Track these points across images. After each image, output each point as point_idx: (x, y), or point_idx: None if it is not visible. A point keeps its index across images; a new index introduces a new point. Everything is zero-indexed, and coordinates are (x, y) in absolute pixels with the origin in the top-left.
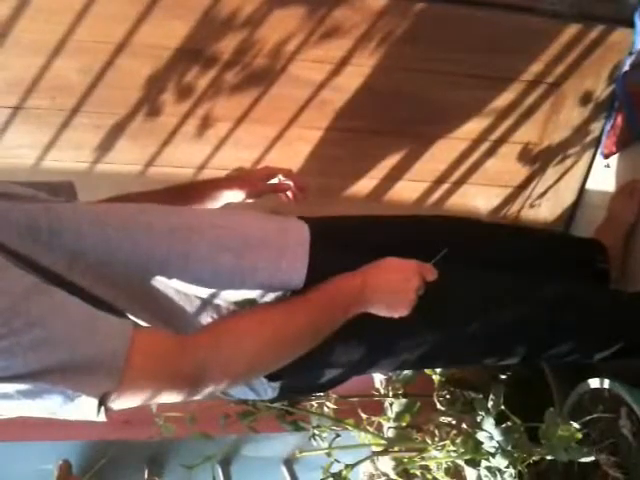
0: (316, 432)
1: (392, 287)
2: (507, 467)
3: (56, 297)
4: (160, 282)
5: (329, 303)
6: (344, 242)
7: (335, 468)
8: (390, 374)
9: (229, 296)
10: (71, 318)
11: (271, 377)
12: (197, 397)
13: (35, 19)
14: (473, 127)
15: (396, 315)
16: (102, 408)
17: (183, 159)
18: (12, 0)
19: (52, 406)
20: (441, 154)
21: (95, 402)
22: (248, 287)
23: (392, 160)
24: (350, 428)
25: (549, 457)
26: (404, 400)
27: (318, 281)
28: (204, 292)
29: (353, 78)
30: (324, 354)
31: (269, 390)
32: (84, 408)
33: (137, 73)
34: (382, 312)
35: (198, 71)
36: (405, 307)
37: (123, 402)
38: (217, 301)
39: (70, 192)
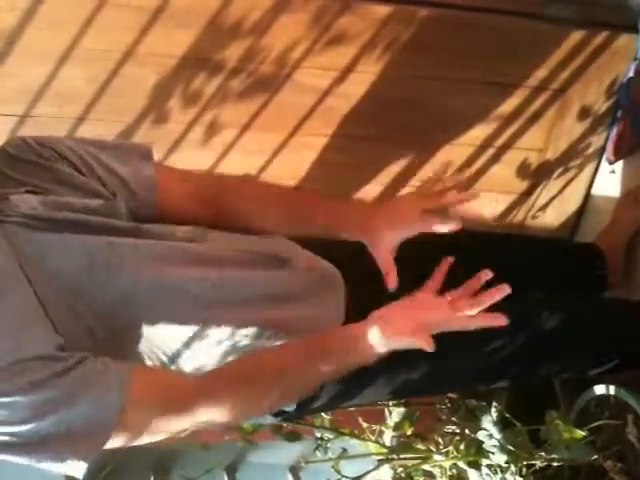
0: (320, 443)
1: (398, 312)
2: (507, 463)
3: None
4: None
5: (341, 346)
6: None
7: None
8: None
9: None
10: (70, 381)
11: (275, 413)
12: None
13: (42, 28)
14: (478, 133)
15: (414, 343)
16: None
17: (189, 166)
18: (19, 9)
19: (38, 465)
20: (446, 160)
21: (84, 465)
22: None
23: (397, 166)
24: (353, 438)
25: (555, 464)
26: (402, 409)
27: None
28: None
29: (358, 85)
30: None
31: (268, 418)
32: (72, 468)
33: (143, 81)
34: (399, 341)
35: (204, 78)
36: (413, 329)
37: (119, 442)
38: None
39: (141, 159)
